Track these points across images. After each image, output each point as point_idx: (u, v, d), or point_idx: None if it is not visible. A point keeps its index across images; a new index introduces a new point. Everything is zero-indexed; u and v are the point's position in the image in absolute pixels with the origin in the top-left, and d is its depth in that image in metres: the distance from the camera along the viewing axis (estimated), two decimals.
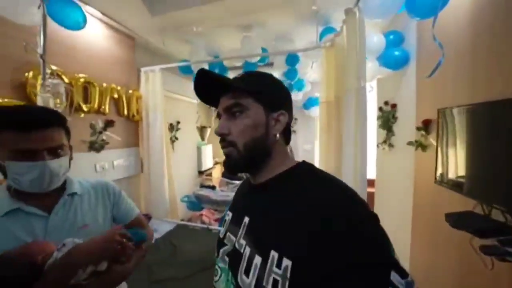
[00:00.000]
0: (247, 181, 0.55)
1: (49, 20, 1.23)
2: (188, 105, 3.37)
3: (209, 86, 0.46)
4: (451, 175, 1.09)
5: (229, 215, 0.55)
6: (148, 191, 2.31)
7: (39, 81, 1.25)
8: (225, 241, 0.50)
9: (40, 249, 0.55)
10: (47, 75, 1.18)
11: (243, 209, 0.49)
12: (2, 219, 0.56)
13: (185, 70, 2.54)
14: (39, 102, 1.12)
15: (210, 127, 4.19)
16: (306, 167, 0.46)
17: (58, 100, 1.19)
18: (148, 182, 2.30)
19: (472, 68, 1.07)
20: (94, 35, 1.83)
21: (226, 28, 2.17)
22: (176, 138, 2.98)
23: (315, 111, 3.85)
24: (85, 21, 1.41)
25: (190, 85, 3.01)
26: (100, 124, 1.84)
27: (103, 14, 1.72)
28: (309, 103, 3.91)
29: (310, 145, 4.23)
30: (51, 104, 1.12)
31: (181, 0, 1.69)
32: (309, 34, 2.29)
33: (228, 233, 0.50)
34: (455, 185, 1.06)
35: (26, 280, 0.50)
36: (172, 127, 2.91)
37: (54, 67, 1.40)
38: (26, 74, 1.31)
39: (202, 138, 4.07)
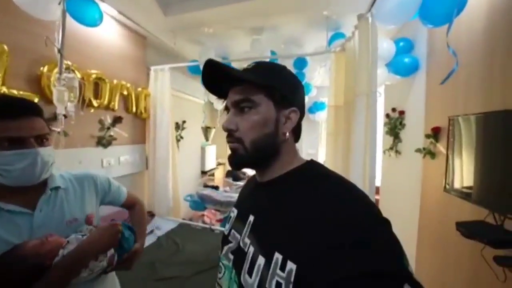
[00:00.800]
0: (253, 178, 0.54)
1: (66, 17, 1.26)
2: (195, 105, 3.39)
3: (218, 77, 0.43)
4: (462, 183, 1.08)
5: (234, 212, 0.53)
6: (152, 189, 2.31)
7: (54, 75, 1.27)
8: (230, 238, 0.48)
9: (54, 247, 0.55)
10: (62, 69, 1.20)
11: (249, 207, 0.48)
12: None
13: (194, 70, 2.57)
14: (55, 94, 1.14)
15: (214, 127, 4.21)
16: (314, 166, 0.44)
17: (72, 94, 1.21)
18: (153, 179, 2.30)
19: (486, 76, 1.06)
20: (108, 32, 1.86)
21: (237, 30, 2.20)
22: (181, 137, 3.00)
23: (320, 115, 3.86)
24: (101, 18, 1.44)
25: (198, 85, 3.03)
26: (108, 120, 1.86)
27: (119, 12, 1.75)
28: (315, 107, 3.92)
29: (314, 149, 4.22)
30: (65, 97, 1.14)
31: (195, 2, 1.71)
32: (318, 39, 2.31)
33: (233, 230, 0.49)
34: (466, 194, 1.05)
35: (30, 279, 0.50)
36: (178, 126, 2.93)
37: (68, 62, 1.43)
38: (42, 68, 1.33)
39: (207, 139, 4.09)
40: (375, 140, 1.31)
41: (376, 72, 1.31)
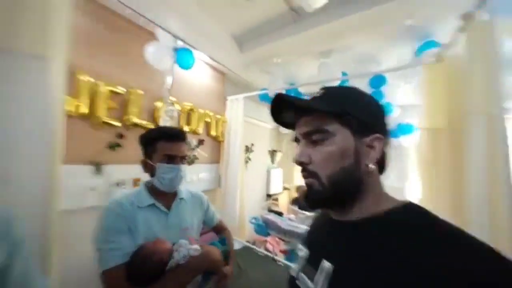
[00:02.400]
0: (326, 214, 0.46)
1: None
2: (262, 129, 3.59)
3: (286, 107, 0.42)
4: None
5: (302, 251, 0.47)
6: (222, 206, 2.49)
7: (163, 108, 1.67)
8: (298, 282, 0.43)
9: (164, 247, 0.66)
10: (169, 104, 1.57)
11: (322, 249, 0.42)
12: (144, 209, 0.72)
13: (264, 97, 2.77)
14: (161, 122, 1.48)
15: (280, 151, 4.25)
16: (419, 211, 0.35)
17: (173, 122, 1.54)
18: (223, 197, 2.50)
19: None
20: (196, 72, 2.33)
21: (304, 57, 2.25)
22: (249, 159, 3.18)
23: (407, 140, 3.18)
24: (194, 63, 1.83)
25: (266, 111, 3.23)
26: (194, 142, 2.23)
27: (209, 56, 2.17)
28: (399, 130, 3.29)
29: (400, 183, 3.40)
30: (168, 125, 1.47)
31: (267, 36, 1.91)
32: (399, 53, 2.02)
33: (301, 274, 0.43)
34: None
35: (156, 274, 0.62)
36: (247, 149, 3.14)
37: (172, 98, 1.86)
38: (155, 103, 1.79)
39: (272, 161, 4.15)
40: (509, 172, 0.91)
41: (500, 83, 0.96)
